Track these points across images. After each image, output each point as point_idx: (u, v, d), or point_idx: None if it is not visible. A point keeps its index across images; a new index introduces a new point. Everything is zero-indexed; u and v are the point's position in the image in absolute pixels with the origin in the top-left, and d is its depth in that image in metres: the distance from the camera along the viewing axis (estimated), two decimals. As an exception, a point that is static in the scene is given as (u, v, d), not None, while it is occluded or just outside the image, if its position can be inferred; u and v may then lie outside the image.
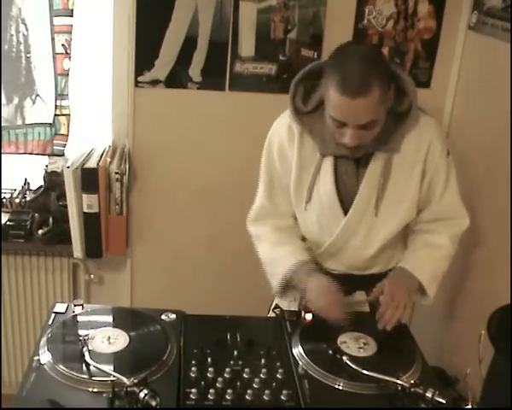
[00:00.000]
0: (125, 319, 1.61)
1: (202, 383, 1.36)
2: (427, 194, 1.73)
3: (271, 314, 1.91)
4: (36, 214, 2.44)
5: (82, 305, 1.59)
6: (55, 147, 2.37)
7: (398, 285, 1.66)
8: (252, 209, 1.85)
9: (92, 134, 2.43)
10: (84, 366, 1.35)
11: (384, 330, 1.56)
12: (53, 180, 2.46)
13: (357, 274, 1.80)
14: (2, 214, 2.45)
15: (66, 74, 2.26)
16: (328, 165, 1.68)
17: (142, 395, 1.24)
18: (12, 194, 2.53)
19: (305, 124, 1.66)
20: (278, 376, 1.40)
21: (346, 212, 1.70)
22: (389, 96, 1.55)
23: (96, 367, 1.33)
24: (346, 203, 1.70)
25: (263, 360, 1.45)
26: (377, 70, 1.48)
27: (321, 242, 1.78)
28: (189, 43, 2.27)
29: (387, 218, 1.71)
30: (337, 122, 1.53)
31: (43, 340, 1.45)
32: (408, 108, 1.62)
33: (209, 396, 1.32)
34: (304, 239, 1.84)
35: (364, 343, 1.54)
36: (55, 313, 1.58)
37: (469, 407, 1.32)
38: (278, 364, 1.44)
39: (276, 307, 1.86)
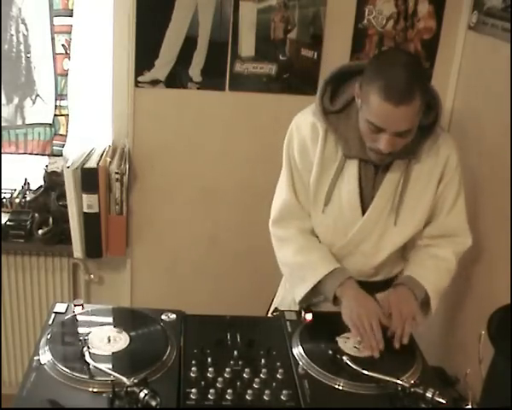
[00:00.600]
0: (125, 319, 1.61)
1: (202, 383, 1.36)
2: (436, 207, 1.74)
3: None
4: (36, 214, 2.44)
5: (82, 305, 1.59)
6: (54, 147, 2.37)
7: (405, 297, 1.65)
8: (274, 208, 1.80)
9: (92, 134, 2.43)
10: (84, 366, 1.35)
11: (401, 345, 1.53)
12: (53, 180, 2.46)
13: (363, 281, 1.77)
14: (2, 214, 2.45)
15: (65, 74, 2.26)
16: (352, 167, 1.67)
17: (142, 395, 1.24)
18: (12, 194, 2.53)
19: (331, 123, 1.65)
20: (278, 376, 1.40)
21: (362, 215, 1.71)
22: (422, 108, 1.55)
23: (96, 367, 1.33)
24: (363, 207, 1.70)
25: (263, 360, 1.45)
26: (420, 79, 1.49)
27: (332, 245, 1.76)
28: (189, 43, 2.27)
29: (402, 227, 1.72)
30: (374, 127, 1.52)
31: (43, 340, 1.45)
32: (433, 121, 1.63)
33: (209, 396, 1.31)
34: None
35: (365, 343, 1.54)
36: (55, 313, 1.58)
37: (469, 407, 1.33)
38: (278, 364, 1.44)
39: (276, 310, 1.85)
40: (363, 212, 1.70)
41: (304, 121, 1.71)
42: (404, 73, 1.46)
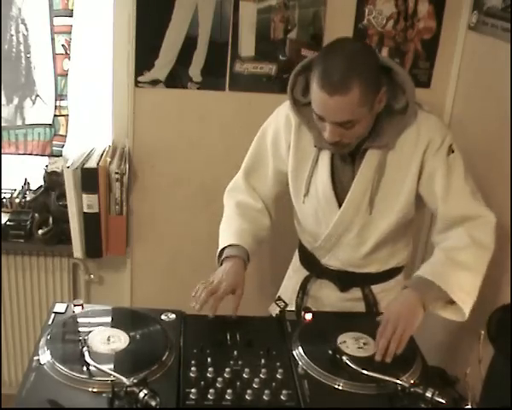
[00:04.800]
0: (125, 319, 1.61)
1: (202, 383, 1.35)
2: (431, 197, 1.65)
3: (274, 306, 1.92)
4: (36, 214, 2.44)
5: (82, 305, 1.59)
6: (54, 147, 2.37)
7: (407, 308, 1.50)
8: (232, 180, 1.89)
9: (92, 134, 2.43)
10: (83, 365, 1.35)
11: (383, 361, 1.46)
12: (53, 180, 2.46)
13: (355, 271, 1.80)
14: (3, 214, 2.45)
15: (65, 75, 2.26)
16: (325, 158, 1.68)
17: (141, 395, 1.24)
18: (12, 194, 2.53)
19: (304, 115, 1.66)
20: (278, 376, 1.40)
21: (340, 206, 1.70)
22: (379, 100, 1.53)
23: (96, 367, 1.33)
24: (341, 198, 1.70)
25: (263, 360, 1.45)
26: (361, 71, 1.46)
27: (317, 235, 1.79)
28: (189, 43, 2.27)
29: (381, 216, 1.69)
30: (317, 116, 1.54)
31: (43, 340, 1.45)
32: (405, 105, 1.59)
33: (209, 396, 1.31)
34: (266, 224, 1.84)
35: (364, 343, 1.54)
36: (55, 313, 1.58)
37: (469, 407, 1.33)
38: (278, 364, 1.44)
39: (279, 298, 1.89)
40: (342, 202, 1.69)
41: (282, 112, 1.75)
42: (342, 62, 1.45)
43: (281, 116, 1.75)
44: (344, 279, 1.82)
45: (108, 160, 2.32)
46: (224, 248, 1.73)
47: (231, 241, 1.72)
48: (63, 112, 2.32)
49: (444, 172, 1.62)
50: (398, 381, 1.36)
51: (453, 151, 1.63)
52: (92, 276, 2.58)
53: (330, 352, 1.48)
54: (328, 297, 1.86)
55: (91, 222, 2.35)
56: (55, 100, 2.30)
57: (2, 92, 2.29)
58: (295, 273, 1.97)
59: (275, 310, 1.91)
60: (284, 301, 1.87)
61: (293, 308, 1.86)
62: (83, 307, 1.59)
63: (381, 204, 1.67)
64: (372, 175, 1.64)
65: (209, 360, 1.43)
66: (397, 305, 1.53)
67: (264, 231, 1.83)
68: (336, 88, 1.44)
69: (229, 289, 1.62)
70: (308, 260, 1.89)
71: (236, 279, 1.65)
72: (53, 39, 2.22)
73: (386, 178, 1.65)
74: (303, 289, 1.89)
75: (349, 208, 1.69)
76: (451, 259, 1.58)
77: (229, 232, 1.76)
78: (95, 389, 1.30)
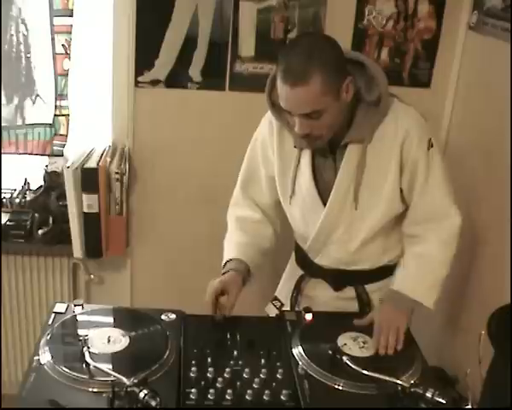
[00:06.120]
0: (125, 319, 1.61)
1: (202, 383, 1.36)
2: (409, 190, 1.67)
3: (270, 306, 1.92)
4: (36, 214, 2.44)
5: (82, 305, 1.59)
6: (54, 147, 2.37)
7: (388, 312, 1.62)
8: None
9: (92, 134, 2.43)
10: (84, 366, 1.35)
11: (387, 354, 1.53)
12: (53, 180, 2.46)
13: (347, 269, 1.80)
14: (3, 214, 2.45)
15: (65, 74, 2.26)
16: (306, 158, 1.69)
17: (142, 395, 1.24)
18: (12, 194, 2.53)
19: (283, 118, 1.67)
20: (278, 376, 1.40)
21: (325, 205, 1.70)
22: (345, 89, 1.53)
23: (96, 367, 1.33)
24: (325, 197, 1.70)
25: (263, 360, 1.45)
26: (320, 60, 1.47)
27: (306, 236, 1.79)
28: (189, 43, 2.27)
29: (367, 210, 1.69)
30: (285, 111, 1.56)
31: (43, 340, 1.45)
32: (378, 97, 1.59)
33: (209, 396, 1.32)
34: (273, 233, 1.86)
35: (364, 343, 1.54)
36: (55, 313, 1.58)
37: (469, 407, 1.32)
38: (278, 364, 1.44)
39: (275, 298, 1.90)
40: (326, 201, 1.69)
41: (265, 119, 1.78)
42: (301, 55, 1.47)
43: (265, 124, 1.78)
44: (337, 278, 1.83)
45: (108, 160, 2.32)
46: (226, 263, 1.75)
47: (231, 255, 1.75)
48: (64, 111, 2.32)
49: (424, 167, 1.64)
50: (399, 381, 1.36)
51: (432, 145, 1.64)
52: (92, 276, 2.57)
53: (330, 352, 1.48)
54: (322, 297, 1.86)
55: (91, 222, 2.35)
56: (56, 100, 2.30)
57: (2, 92, 2.29)
58: (291, 273, 1.97)
59: (271, 310, 1.91)
60: (280, 301, 1.88)
61: (288, 308, 1.87)
62: (83, 307, 1.59)
63: (366, 198, 1.67)
64: (354, 170, 1.64)
65: (209, 360, 1.43)
66: (383, 313, 1.62)
67: (266, 241, 1.84)
68: (296, 79, 1.46)
69: (220, 285, 1.63)
70: (302, 259, 1.89)
71: (230, 279, 1.67)
72: (53, 39, 2.22)
73: (369, 172, 1.65)
74: (297, 288, 1.90)
75: (334, 206, 1.69)
76: (422, 268, 1.69)
77: (230, 247, 1.80)
78: (95, 389, 1.30)
